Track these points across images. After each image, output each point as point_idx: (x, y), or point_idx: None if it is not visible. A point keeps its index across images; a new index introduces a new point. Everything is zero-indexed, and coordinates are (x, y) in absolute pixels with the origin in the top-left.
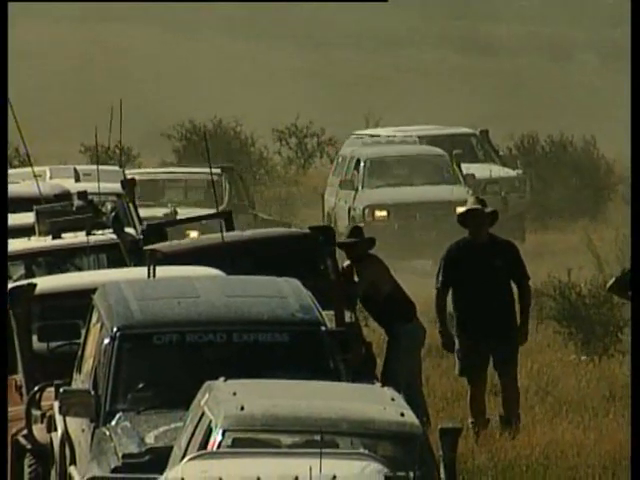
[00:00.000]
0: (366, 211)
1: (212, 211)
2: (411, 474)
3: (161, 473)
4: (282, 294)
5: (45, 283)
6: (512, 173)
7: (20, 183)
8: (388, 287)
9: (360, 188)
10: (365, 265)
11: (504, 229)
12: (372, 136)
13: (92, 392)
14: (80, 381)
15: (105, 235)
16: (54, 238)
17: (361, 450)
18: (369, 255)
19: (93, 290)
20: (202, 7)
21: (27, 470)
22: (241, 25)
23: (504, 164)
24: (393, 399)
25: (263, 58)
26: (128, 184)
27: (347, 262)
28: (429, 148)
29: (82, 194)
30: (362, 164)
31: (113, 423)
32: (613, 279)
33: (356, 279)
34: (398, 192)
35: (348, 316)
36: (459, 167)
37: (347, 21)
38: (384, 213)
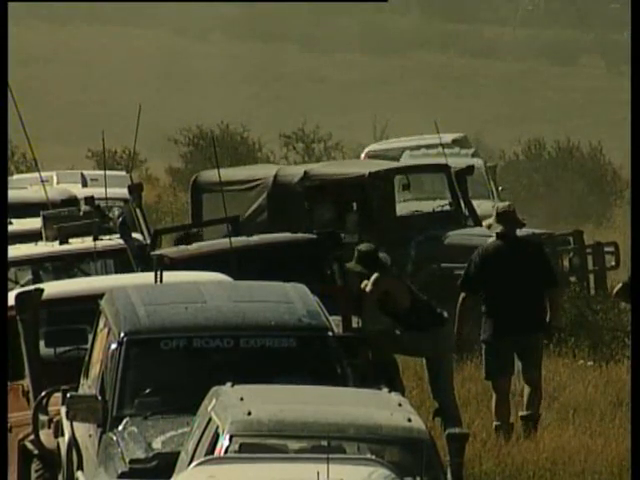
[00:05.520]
0: None
1: None
2: (418, 479)
3: (168, 478)
4: (289, 299)
5: (52, 288)
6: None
7: (27, 188)
8: (407, 299)
9: None
10: (378, 277)
11: None
12: (428, 147)
13: (99, 397)
14: (87, 386)
15: (112, 240)
16: (61, 243)
17: (368, 455)
18: (384, 268)
19: (100, 295)
20: (208, 10)
21: (34, 475)
22: (247, 29)
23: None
24: (400, 404)
25: (269, 62)
26: (135, 189)
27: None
28: (464, 160)
29: (89, 199)
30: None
31: (120, 428)
32: (620, 285)
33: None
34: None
35: (355, 321)
36: (494, 180)
37: (353, 24)
38: None
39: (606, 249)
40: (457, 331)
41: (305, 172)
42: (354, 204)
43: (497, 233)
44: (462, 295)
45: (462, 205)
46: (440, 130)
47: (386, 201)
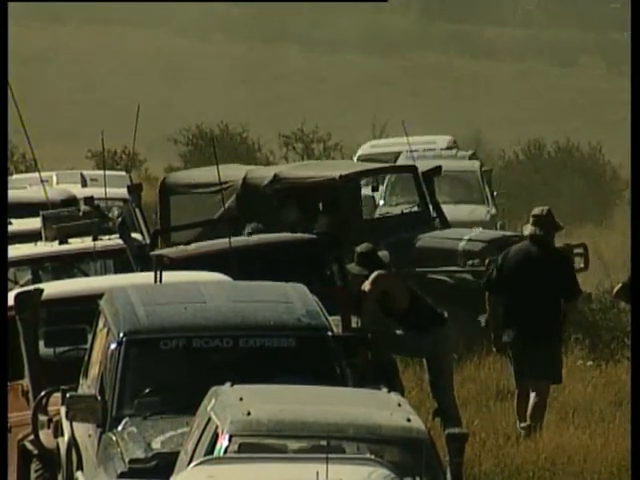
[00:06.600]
0: None
1: None
2: (418, 479)
3: (167, 478)
4: (288, 299)
5: (52, 288)
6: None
7: (27, 188)
8: (406, 298)
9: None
10: (377, 276)
11: None
12: (426, 150)
13: (99, 397)
14: (87, 386)
15: (112, 240)
16: (61, 243)
17: (368, 455)
18: (383, 267)
19: (100, 295)
20: (208, 10)
21: (34, 475)
22: (247, 29)
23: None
24: (399, 404)
25: (269, 62)
26: (135, 189)
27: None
28: (460, 164)
29: (89, 199)
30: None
31: (120, 428)
32: (620, 285)
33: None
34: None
35: (355, 321)
36: (489, 185)
37: (353, 24)
38: None
39: (575, 251)
40: (492, 332)
41: (275, 175)
42: (325, 207)
43: (530, 235)
44: (486, 295)
45: (430, 207)
46: (437, 131)
47: (357, 204)
